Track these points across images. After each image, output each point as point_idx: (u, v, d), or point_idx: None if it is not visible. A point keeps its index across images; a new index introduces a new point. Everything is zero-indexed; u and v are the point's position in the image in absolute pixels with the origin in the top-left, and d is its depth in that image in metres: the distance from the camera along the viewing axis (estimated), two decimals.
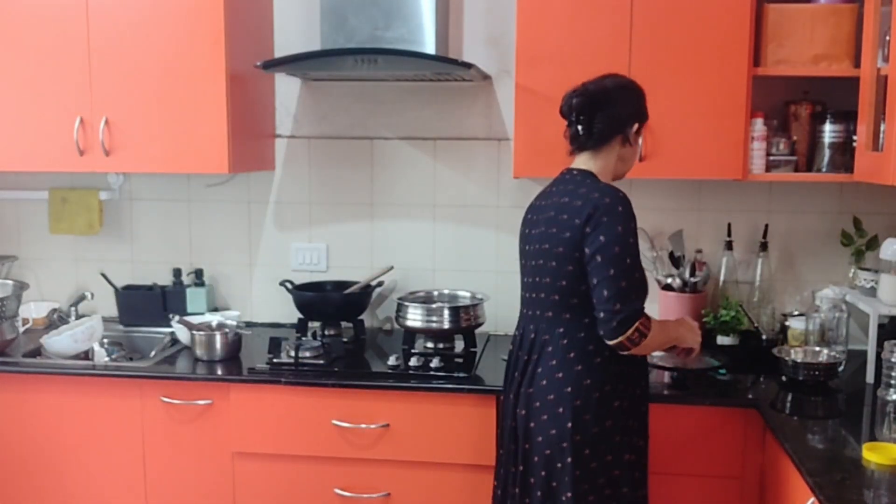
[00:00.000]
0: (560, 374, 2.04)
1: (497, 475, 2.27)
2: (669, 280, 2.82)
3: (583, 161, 2.14)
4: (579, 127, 2.10)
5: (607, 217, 1.98)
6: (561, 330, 2.06)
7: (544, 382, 2.06)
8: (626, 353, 2.02)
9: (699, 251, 2.88)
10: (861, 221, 2.81)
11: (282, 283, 3.00)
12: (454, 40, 2.96)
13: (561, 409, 2.02)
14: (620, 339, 1.97)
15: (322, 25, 2.79)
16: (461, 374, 2.53)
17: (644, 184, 2.93)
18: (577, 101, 2.10)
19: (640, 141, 2.20)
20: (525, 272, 2.21)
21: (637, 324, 1.98)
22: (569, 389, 2.02)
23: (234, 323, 2.88)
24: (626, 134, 2.12)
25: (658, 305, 2.89)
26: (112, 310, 3.18)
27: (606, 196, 2.01)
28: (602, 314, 1.98)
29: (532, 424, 2.07)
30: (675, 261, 2.83)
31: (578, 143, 2.13)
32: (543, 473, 2.05)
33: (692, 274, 2.81)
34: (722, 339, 2.76)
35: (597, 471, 2.03)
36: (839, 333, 2.58)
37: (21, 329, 2.99)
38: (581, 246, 2.00)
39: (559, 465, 2.03)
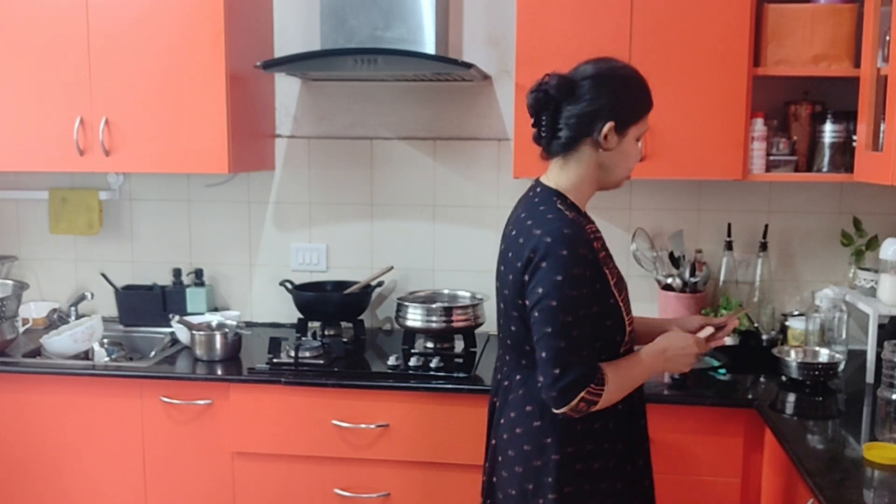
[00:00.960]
0: (519, 430, 1.77)
1: None
2: (669, 280, 2.82)
3: (553, 171, 1.80)
4: (541, 129, 1.76)
5: (546, 262, 1.64)
6: (518, 378, 1.79)
7: (505, 436, 1.80)
8: (579, 416, 1.69)
9: (699, 251, 2.88)
10: (861, 221, 2.80)
11: (282, 283, 3.00)
12: (454, 40, 2.96)
13: (519, 469, 1.77)
14: (564, 409, 1.65)
15: (322, 25, 2.79)
16: (461, 374, 2.53)
17: (644, 184, 2.93)
18: (531, 99, 1.76)
19: (635, 142, 1.79)
20: (498, 298, 1.88)
21: (582, 393, 1.63)
22: (527, 448, 1.76)
23: (234, 323, 2.88)
24: (594, 137, 1.72)
25: (658, 305, 2.89)
26: (112, 310, 3.18)
27: (548, 235, 1.66)
28: (542, 378, 1.66)
29: (494, 479, 1.85)
30: (675, 261, 2.83)
31: (545, 150, 1.79)
32: None
33: (692, 274, 2.81)
34: None
35: None
36: (839, 333, 2.58)
37: (21, 329, 2.99)
38: (523, 293, 1.70)
39: None
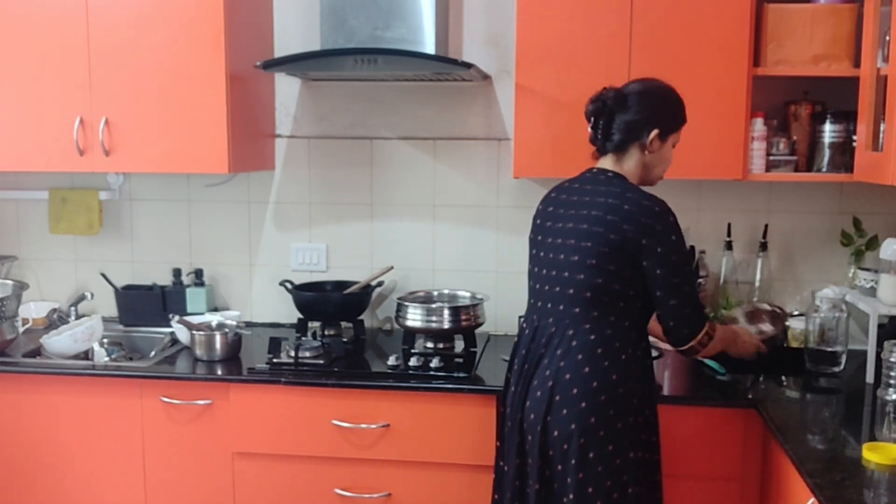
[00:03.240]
0: (587, 369, 2.02)
1: (498, 468, 2.23)
2: None
3: (608, 163, 2.15)
4: (598, 132, 2.13)
5: (661, 226, 2.02)
6: (587, 326, 2.05)
7: (568, 376, 2.03)
8: (694, 356, 2.14)
9: (703, 251, 2.88)
10: (861, 221, 2.81)
11: (282, 283, 3.00)
12: (454, 40, 2.96)
13: (584, 404, 2.01)
14: (692, 342, 2.07)
15: (322, 25, 2.79)
16: (461, 374, 2.52)
17: None
18: (591, 108, 2.13)
19: (671, 148, 2.18)
20: (541, 264, 2.16)
21: (706, 327, 2.09)
22: (595, 384, 2.01)
23: (234, 323, 2.88)
24: (642, 141, 2.11)
25: None
26: (112, 310, 3.18)
27: (657, 204, 2.04)
28: (672, 322, 2.06)
29: (549, 418, 2.04)
30: None
31: (598, 147, 2.17)
32: (560, 468, 2.03)
33: (695, 274, 2.80)
34: None
35: (615, 467, 2.02)
36: (839, 333, 2.58)
37: (21, 329, 2.99)
38: (631, 250, 2.01)
39: (573, 460, 2.00)
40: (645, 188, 2.12)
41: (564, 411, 2.02)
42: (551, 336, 2.09)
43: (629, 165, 2.14)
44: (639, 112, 2.11)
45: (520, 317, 2.35)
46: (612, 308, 2.05)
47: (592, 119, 2.14)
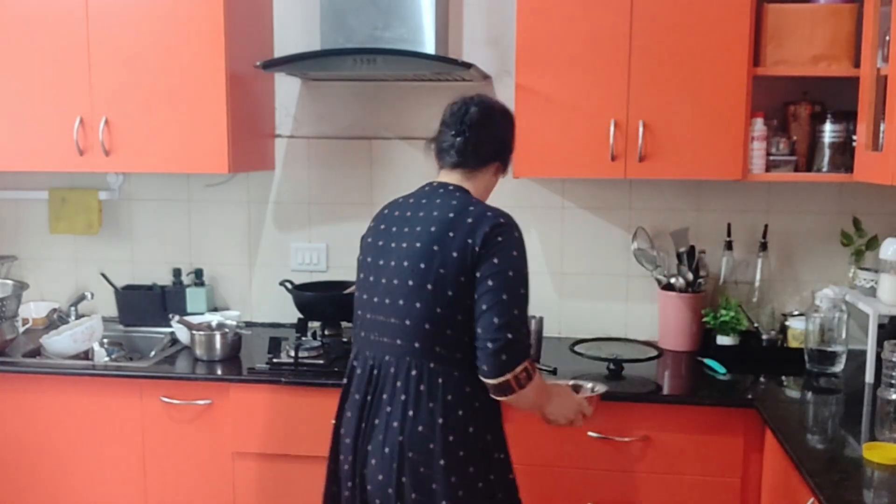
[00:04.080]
0: (441, 420, 1.76)
1: None
2: (672, 280, 2.82)
3: (455, 178, 1.94)
4: (465, 140, 1.90)
5: (503, 237, 1.78)
6: (432, 365, 1.78)
7: (421, 429, 1.76)
8: (503, 399, 1.78)
9: (703, 251, 2.88)
10: (861, 221, 2.81)
11: (282, 283, 3.00)
12: (454, 40, 2.96)
13: (442, 462, 1.76)
14: (507, 376, 1.73)
15: (322, 25, 2.79)
16: None
17: (644, 183, 2.93)
18: (475, 111, 1.91)
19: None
20: (373, 289, 1.88)
21: (526, 362, 1.75)
22: (451, 438, 1.77)
23: (234, 323, 2.88)
24: (502, 162, 1.96)
25: (658, 305, 2.89)
26: (112, 310, 3.18)
27: (501, 216, 1.82)
28: (490, 344, 1.73)
29: (403, 479, 1.77)
30: (680, 257, 2.83)
31: (460, 158, 1.92)
32: None
33: (696, 273, 2.80)
34: (722, 339, 2.76)
35: None
36: (839, 333, 2.58)
37: (21, 329, 2.99)
38: (471, 270, 1.76)
39: None
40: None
41: (422, 469, 1.77)
42: (392, 377, 1.82)
43: (478, 185, 1.93)
44: (506, 132, 1.97)
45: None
46: (458, 343, 1.78)
47: (466, 125, 1.90)
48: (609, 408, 2.39)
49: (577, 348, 2.86)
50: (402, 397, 1.79)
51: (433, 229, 1.82)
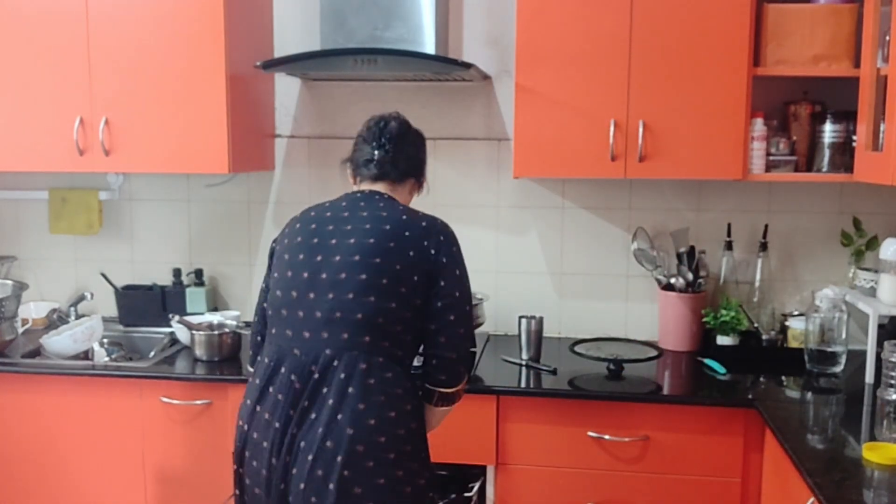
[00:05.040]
0: (393, 413, 1.78)
1: None
2: (672, 280, 2.82)
3: (381, 188, 2.00)
4: (385, 152, 1.98)
5: (455, 248, 1.92)
6: (381, 360, 1.80)
7: (372, 422, 1.75)
8: (444, 406, 1.93)
9: (703, 251, 2.88)
10: (861, 221, 2.81)
11: None
12: (454, 40, 2.96)
13: (392, 456, 1.77)
14: (460, 386, 1.92)
15: (322, 25, 2.79)
16: None
17: (644, 184, 2.93)
18: (394, 125, 1.99)
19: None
20: (308, 286, 1.84)
21: (468, 374, 1.95)
22: (402, 432, 1.79)
23: (234, 323, 2.88)
24: (420, 180, 2.06)
25: (658, 305, 2.89)
26: (112, 310, 3.18)
27: (448, 227, 1.94)
28: (454, 355, 1.87)
29: (346, 472, 1.73)
30: (680, 257, 2.83)
31: (381, 171, 1.98)
32: None
33: (696, 273, 2.80)
34: (722, 339, 2.76)
35: None
36: (839, 333, 2.58)
37: (21, 329, 2.99)
38: (427, 272, 1.84)
39: None
40: None
41: (371, 463, 1.75)
42: (335, 371, 1.78)
43: (401, 198, 2.01)
44: (421, 151, 2.06)
45: (254, 355, 2.07)
46: (402, 341, 1.83)
47: (387, 139, 1.98)
48: (609, 408, 2.39)
49: (577, 348, 2.86)
50: (351, 390, 1.76)
51: (387, 227, 1.85)
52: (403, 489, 1.78)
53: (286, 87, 3.09)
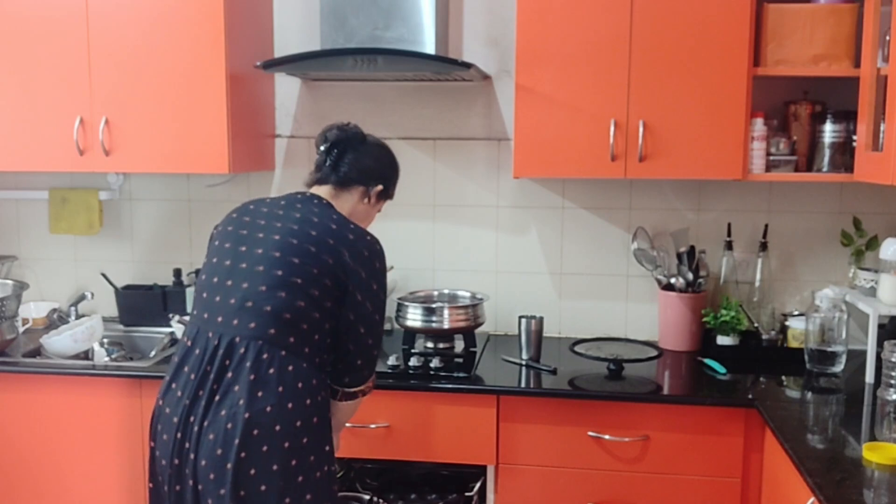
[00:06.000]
0: (290, 405, 1.82)
1: None
2: (673, 280, 2.82)
3: (323, 193, 2.08)
4: (329, 159, 2.08)
5: (379, 263, 1.98)
6: (283, 353, 1.84)
7: (269, 409, 1.80)
8: (349, 401, 2.02)
9: (703, 251, 2.88)
10: (861, 221, 2.81)
11: None
12: (454, 40, 2.96)
13: (287, 444, 1.81)
14: (363, 386, 2.02)
15: (322, 25, 2.79)
16: (461, 374, 2.52)
17: (644, 184, 2.93)
18: (334, 134, 2.09)
19: (378, 211, 2.19)
20: (228, 274, 1.92)
21: (372, 375, 2.04)
22: (299, 423, 1.83)
23: None
24: (367, 188, 2.09)
25: (658, 305, 2.89)
26: (112, 310, 3.18)
27: (377, 243, 2.01)
28: (359, 361, 1.97)
29: (243, 454, 1.78)
30: (680, 257, 2.83)
31: (319, 174, 2.10)
32: None
33: (696, 273, 2.80)
34: (722, 339, 2.76)
35: None
36: (839, 333, 2.58)
37: (21, 329, 2.99)
38: (340, 280, 1.90)
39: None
40: None
41: (265, 448, 1.80)
42: (241, 358, 1.84)
43: (344, 205, 2.07)
44: (376, 161, 2.12)
45: (182, 333, 2.08)
46: (308, 339, 1.88)
47: (327, 146, 2.08)
48: (609, 408, 2.39)
49: (577, 348, 2.86)
50: (251, 377, 1.82)
51: (313, 233, 1.92)
52: (296, 478, 1.83)
53: (286, 87, 3.09)
